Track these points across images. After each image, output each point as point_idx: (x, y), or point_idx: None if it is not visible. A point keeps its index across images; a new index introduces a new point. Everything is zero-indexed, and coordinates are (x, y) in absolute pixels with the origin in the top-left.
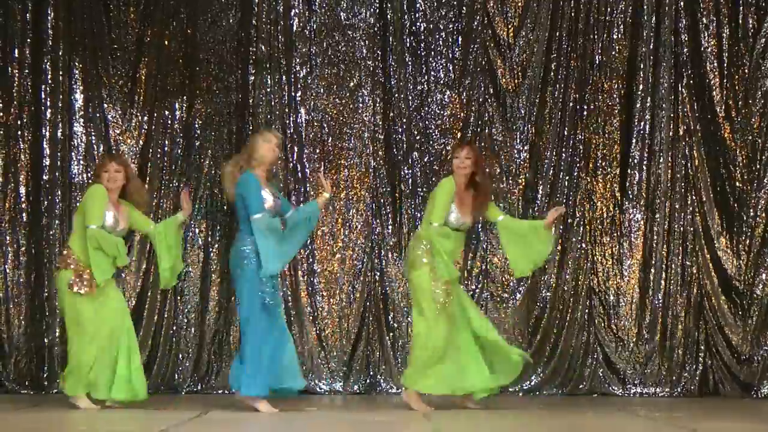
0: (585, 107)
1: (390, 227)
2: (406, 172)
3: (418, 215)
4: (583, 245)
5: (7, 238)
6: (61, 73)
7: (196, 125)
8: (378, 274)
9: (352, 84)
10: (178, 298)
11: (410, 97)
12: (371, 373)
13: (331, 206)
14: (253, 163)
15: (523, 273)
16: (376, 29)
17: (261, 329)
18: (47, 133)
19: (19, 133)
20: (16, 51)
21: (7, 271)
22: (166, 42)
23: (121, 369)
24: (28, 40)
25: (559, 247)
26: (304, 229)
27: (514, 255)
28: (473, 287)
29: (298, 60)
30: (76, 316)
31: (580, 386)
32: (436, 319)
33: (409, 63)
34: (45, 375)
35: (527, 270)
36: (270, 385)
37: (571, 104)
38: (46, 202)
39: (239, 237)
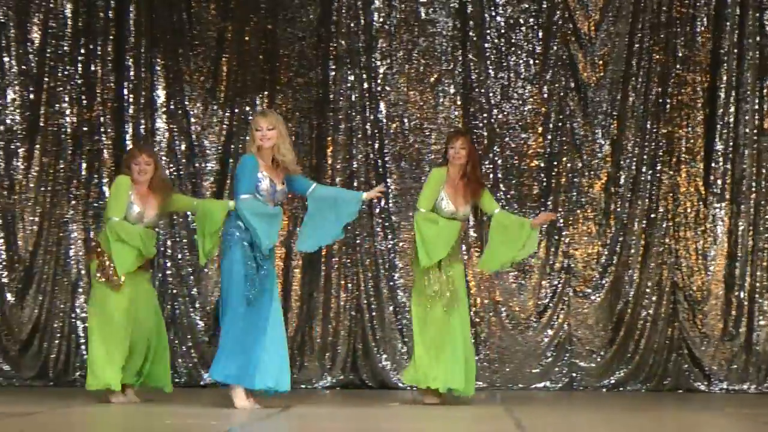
0: (668, 101)
1: (471, 222)
2: (487, 167)
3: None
4: (667, 240)
5: (91, 233)
6: (143, 69)
7: None
8: None
9: (432, 79)
10: None
11: (490, 92)
12: None
13: (410, 199)
14: (252, 149)
15: (488, 270)
16: (456, 24)
17: (236, 316)
18: (129, 130)
19: (102, 129)
20: (99, 48)
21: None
22: (247, 38)
23: (138, 363)
24: (111, 37)
25: (642, 242)
26: (333, 211)
27: (491, 250)
28: (555, 282)
29: (378, 55)
30: (101, 308)
31: (665, 382)
32: (425, 311)
33: (490, 57)
34: None
35: (493, 268)
36: (241, 376)
37: (653, 98)
38: None
39: (228, 220)
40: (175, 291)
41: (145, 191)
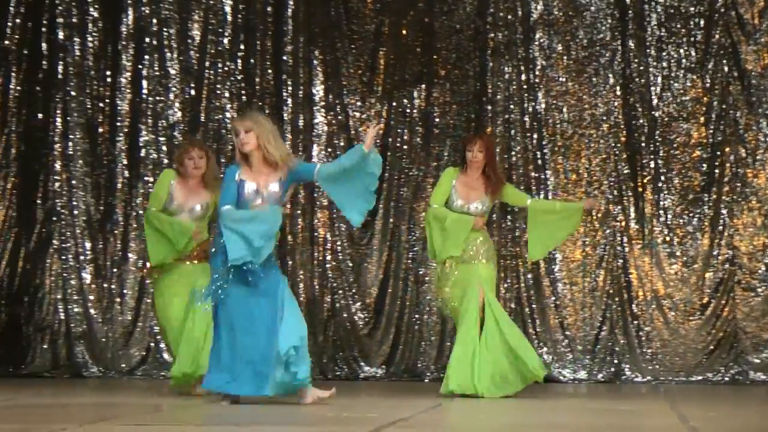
0: None
1: (632, 214)
2: (648, 158)
3: (661, 203)
4: None
5: None
6: (301, 64)
7: (434, 113)
8: (621, 261)
9: (591, 69)
10: (419, 285)
11: (651, 83)
12: (615, 361)
13: (570, 191)
14: (238, 156)
15: (536, 257)
16: (615, 13)
17: (217, 321)
18: (289, 124)
19: None
20: (258, 44)
21: None
22: (404, 31)
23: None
24: (269, 32)
25: None
26: (357, 175)
27: (534, 237)
28: (720, 275)
29: (535, 46)
30: (155, 303)
31: None
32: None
33: (650, 47)
34: None
35: (541, 255)
36: (218, 382)
37: None
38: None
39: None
40: (335, 284)
41: (195, 184)
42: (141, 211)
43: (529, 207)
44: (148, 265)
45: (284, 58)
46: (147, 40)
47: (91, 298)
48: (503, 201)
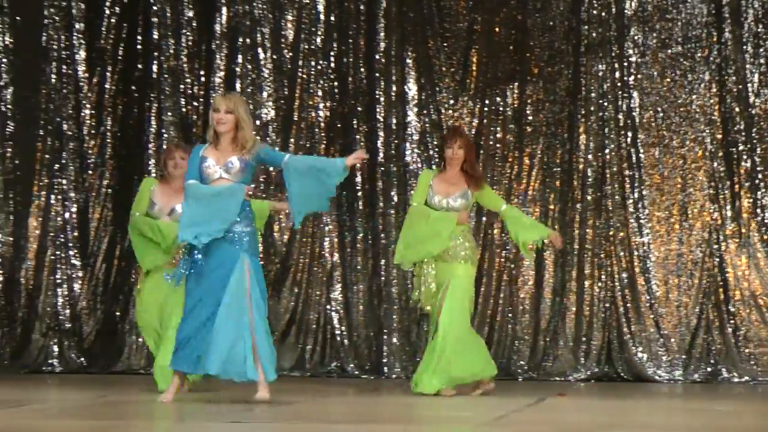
0: None
1: (728, 212)
2: (745, 156)
3: (758, 201)
4: None
5: (347, 223)
6: (393, 62)
7: (528, 111)
8: (717, 260)
9: (686, 66)
10: (512, 284)
11: (747, 79)
12: (712, 361)
13: (666, 190)
14: (210, 133)
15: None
16: (710, 9)
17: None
18: (381, 123)
19: (354, 122)
20: (350, 42)
21: (346, 258)
22: (497, 29)
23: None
24: (362, 31)
25: None
26: (321, 179)
27: (523, 237)
28: None
29: (630, 44)
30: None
31: None
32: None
33: (746, 44)
34: None
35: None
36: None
37: None
38: (381, 189)
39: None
40: None
41: (178, 187)
42: None
43: (503, 213)
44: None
45: (377, 56)
46: (240, 39)
47: None
48: (479, 201)
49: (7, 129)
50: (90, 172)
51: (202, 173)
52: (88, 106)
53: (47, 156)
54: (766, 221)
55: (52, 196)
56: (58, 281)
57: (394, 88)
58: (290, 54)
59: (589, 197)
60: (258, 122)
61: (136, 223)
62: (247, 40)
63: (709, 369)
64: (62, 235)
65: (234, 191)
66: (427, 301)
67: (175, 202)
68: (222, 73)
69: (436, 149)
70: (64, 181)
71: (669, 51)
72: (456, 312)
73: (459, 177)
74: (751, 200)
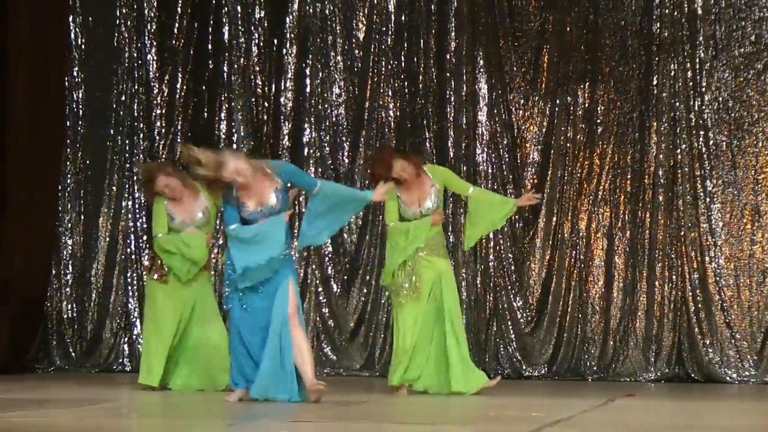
0: None
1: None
2: None
3: None
4: None
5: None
6: (464, 62)
7: (599, 111)
8: None
9: (759, 66)
10: (582, 284)
11: None
12: None
13: (737, 191)
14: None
15: (471, 244)
16: None
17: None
18: (452, 122)
19: (424, 122)
20: (421, 42)
21: None
22: (568, 28)
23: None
24: (433, 31)
25: None
26: (341, 207)
27: (473, 225)
28: None
29: (702, 43)
30: (153, 307)
31: None
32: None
33: None
34: None
35: (474, 241)
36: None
37: None
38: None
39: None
40: (497, 282)
41: (186, 197)
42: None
43: (470, 197)
44: (149, 272)
45: (447, 56)
46: (311, 38)
47: None
48: (446, 187)
49: (79, 129)
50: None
51: (241, 218)
52: (159, 106)
53: (117, 156)
54: None
55: (123, 196)
56: (128, 280)
57: (465, 88)
58: (361, 54)
59: (660, 197)
60: (328, 122)
61: (160, 244)
62: (318, 40)
63: None
64: (132, 235)
65: (274, 225)
66: (405, 292)
67: (193, 210)
68: (292, 73)
69: (507, 149)
70: (135, 182)
71: (741, 50)
72: (456, 320)
73: (420, 180)
74: None
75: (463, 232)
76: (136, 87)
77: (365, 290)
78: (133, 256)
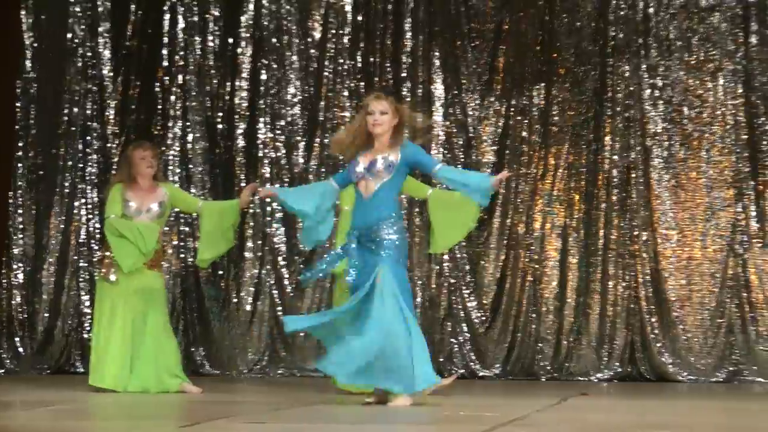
0: None
1: (753, 212)
2: None
3: None
4: None
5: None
6: (420, 62)
7: (554, 112)
8: (741, 260)
9: (711, 67)
10: (536, 284)
11: None
12: (735, 361)
13: (690, 191)
14: (362, 136)
15: (438, 250)
16: (737, 12)
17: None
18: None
19: None
20: (377, 42)
21: None
22: (524, 29)
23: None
24: (389, 31)
25: None
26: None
27: (439, 229)
28: None
29: (655, 45)
30: (99, 304)
31: None
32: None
33: None
34: None
35: (445, 247)
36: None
37: None
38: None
39: None
40: (452, 283)
41: (148, 186)
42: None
43: (430, 197)
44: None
45: (403, 56)
46: (266, 38)
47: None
48: (405, 192)
49: (31, 128)
50: (113, 172)
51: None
52: (112, 105)
53: (70, 156)
54: None
55: (76, 196)
56: (80, 281)
57: (421, 88)
58: (316, 53)
59: (613, 198)
60: (283, 122)
61: (113, 224)
62: (273, 39)
63: (731, 369)
64: (84, 235)
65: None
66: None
67: (150, 200)
68: (246, 73)
69: (462, 150)
70: (88, 182)
71: (694, 52)
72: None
73: None
74: None
75: (429, 235)
76: (89, 86)
77: (317, 293)
78: (85, 256)
